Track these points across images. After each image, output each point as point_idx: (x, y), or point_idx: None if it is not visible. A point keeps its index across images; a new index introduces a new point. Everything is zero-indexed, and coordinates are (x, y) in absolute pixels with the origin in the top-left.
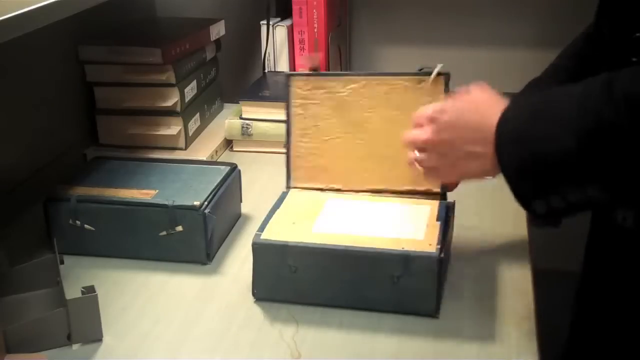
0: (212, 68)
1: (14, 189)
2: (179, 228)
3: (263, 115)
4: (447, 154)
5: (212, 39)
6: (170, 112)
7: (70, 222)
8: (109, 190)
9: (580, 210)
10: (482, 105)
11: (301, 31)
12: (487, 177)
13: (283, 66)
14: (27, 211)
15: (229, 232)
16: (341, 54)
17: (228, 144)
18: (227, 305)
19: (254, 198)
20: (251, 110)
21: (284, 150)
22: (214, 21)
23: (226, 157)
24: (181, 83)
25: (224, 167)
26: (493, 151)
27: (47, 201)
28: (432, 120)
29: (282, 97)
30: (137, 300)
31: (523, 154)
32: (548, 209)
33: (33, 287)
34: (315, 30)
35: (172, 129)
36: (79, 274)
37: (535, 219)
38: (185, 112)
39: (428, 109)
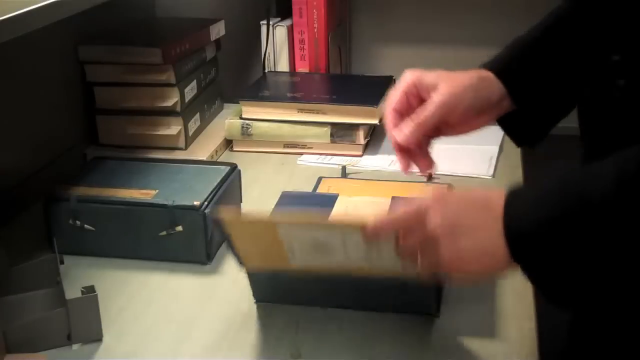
0: (212, 68)
1: (14, 189)
2: (179, 228)
3: (263, 115)
4: (459, 242)
5: (212, 39)
6: (170, 112)
7: (70, 222)
8: (109, 190)
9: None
10: (482, 194)
11: (301, 31)
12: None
13: (283, 66)
14: (27, 211)
15: None
16: (341, 54)
17: (228, 144)
18: (227, 305)
19: (254, 198)
20: (251, 110)
21: (285, 151)
22: (214, 21)
23: (226, 157)
24: (181, 83)
25: (224, 167)
26: (504, 249)
27: (47, 201)
28: (423, 211)
29: (283, 97)
30: (137, 300)
31: (544, 250)
32: (580, 296)
33: (33, 287)
34: (315, 30)
35: (172, 129)
36: (79, 274)
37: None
38: (185, 112)
39: (418, 204)
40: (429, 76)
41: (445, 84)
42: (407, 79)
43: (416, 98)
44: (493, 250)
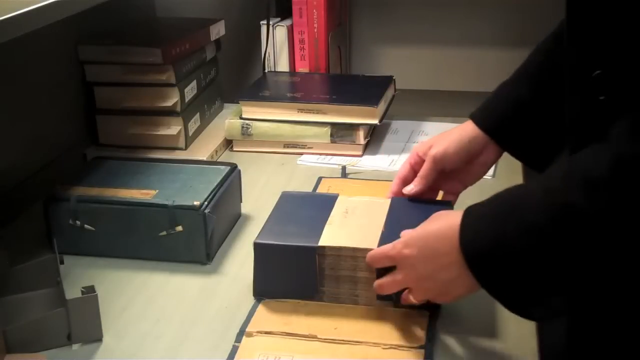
0: (212, 68)
1: (15, 189)
2: (179, 228)
3: (263, 115)
4: (430, 287)
5: (212, 39)
6: (170, 112)
7: (70, 222)
8: (109, 190)
9: (590, 302)
10: (441, 229)
11: (301, 31)
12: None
13: (283, 66)
14: (27, 211)
15: (229, 232)
16: (341, 54)
17: (228, 144)
18: (227, 305)
19: (254, 198)
20: (251, 110)
21: (285, 151)
22: (214, 21)
23: (226, 157)
24: (181, 83)
25: (224, 167)
26: (468, 271)
27: (47, 201)
28: (400, 259)
29: (283, 97)
30: (137, 300)
31: (500, 270)
32: (552, 311)
33: (33, 287)
34: (315, 30)
35: (172, 129)
36: (79, 274)
37: (540, 319)
38: (185, 112)
39: (386, 249)
40: (426, 142)
41: (437, 142)
42: (413, 150)
43: (420, 165)
44: (460, 281)
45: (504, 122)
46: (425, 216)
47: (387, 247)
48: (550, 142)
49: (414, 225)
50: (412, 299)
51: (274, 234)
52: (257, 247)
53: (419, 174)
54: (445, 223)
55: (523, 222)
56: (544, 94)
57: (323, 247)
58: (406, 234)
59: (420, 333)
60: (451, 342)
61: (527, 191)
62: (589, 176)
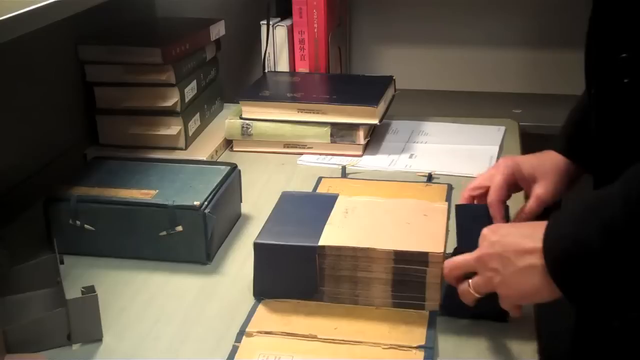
0: (212, 68)
1: (14, 189)
2: (179, 228)
3: (263, 115)
4: (500, 269)
5: (212, 39)
6: (170, 112)
7: (70, 222)
8: (109, 190)
9: None
10: (532, 229)
11: (301, 31)
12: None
13: (283, 66)
14: (27, 211)
15: (229, 232)
16: (341, 54)
17: (228, 144)
18: (227, 305)
19: (254, 198)
20: (251, 110)
21: (285, 151)
22: (214, 21)
23: (226, 157)
24: (181, 83)
25: (224, 167)
26: (546, 274)
27: (47, 201)
28: (482, 258)
29: (283, 97)
30: (137, 300)
31: (575, 265)
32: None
33: (33, 287)
34: (315, 30)
35: (172, 129)
36: (79, 274)
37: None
38: (185, 112)
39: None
40: (525, 167)
41: (543, 179)
42: (506, 168)
43: (514, 186)
44: (541, 286)
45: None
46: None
47: (471, 257)
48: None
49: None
50: (474, 293)
51: (274, 234)
52: (257, 247)
53: (523, 215)
54: (533, 225)
55: (603, 221)
56: None
57: (323, 247)
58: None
59: (420, 333)
60: (451, 342)
61: (610, 192)
62: None
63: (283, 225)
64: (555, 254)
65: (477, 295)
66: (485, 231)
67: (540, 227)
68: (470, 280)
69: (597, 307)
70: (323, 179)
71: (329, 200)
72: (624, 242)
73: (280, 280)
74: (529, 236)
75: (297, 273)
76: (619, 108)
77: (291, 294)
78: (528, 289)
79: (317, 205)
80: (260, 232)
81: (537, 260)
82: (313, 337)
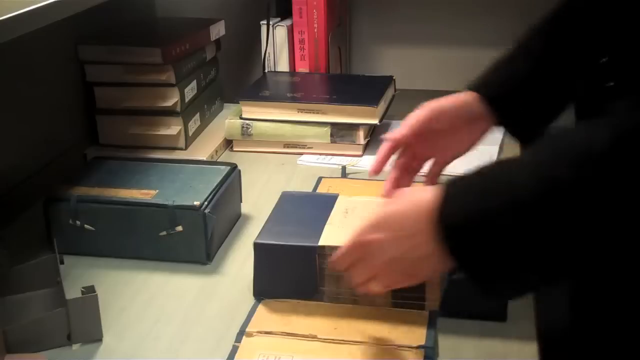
0: (212, 68)
1: (14, 189)
2: (179, 228)
3: (263, 115)
4: (398, 269)
5: (212, 39)
6: (170, 112)
7: (70, 222)
8: (109, 190)
9: (561, 281)
10: (410, 207)
11: (301, 31)
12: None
13: (283, 66)
14: (27, 211)
15: (229, 232)
16: (341, 54)
17: (228, 144)
18: (227, 305)
19: (254, 198)
20: (251, 110)
21: (285, 151)
22: (214, 21)
23: (226, 157)
24: (181, 83)
25: (224, 167)
26: (441, 247)
27: (47, 201)
28: (368, 244)
29: (283, 97)
30: (137, 300)
31: (479, 244)
32: (519, 289)
33: (33, 287)
34: (315, 30)
35: (172, 129)
36: (79, 274)
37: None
38: (185, 112)
39: (348, 242)
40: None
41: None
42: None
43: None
44: (431, 259)
45: (500, 92)
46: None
47: (349, 240)
48: (543, 118)
49: None
50: (375, 288)
51: (273, 234)
52: (257, 247)
53: (406, 123)
54: (415, 200)
55: (509, 196)
56: (541, 72)
57: (323, 247)
58: (366, 218)
59: (420, 333)
60: (451, 342)
61: (515, 165)
62: (586, 151)
63: (283, 225)
64: (455, 229)
65: (382, 291)
66: (368, 235)
67: (420, 209)
68: (372, 283)
69: (491, 277)
70: (323, 179)
71: (329, 200)
72: (533, 217)
73: (280, 280)
74: (414, 227)
75: (297, 273)
76: (603, 111)
77: (291, 294)
78: (429, 272)
79: (317, 205)
80: (260, 232)
81: (432, 246)
82: (313, 337)
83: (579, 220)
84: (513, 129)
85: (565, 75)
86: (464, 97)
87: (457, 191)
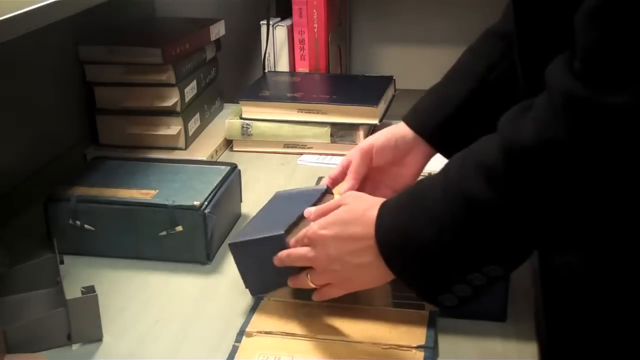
0: (212, 68)
1: (14, 189)
2: (179, 228)
3: (263, 115)
4: (337, 270)
5: (212, 39)
6: (170, 112)
7: (70, 222)
8: (109, 190)
9: (492, 286)
10: (362, 213)
11: (301, 31)
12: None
13: (283, 66)
14: (27, 211)
15: (229, 232)
16: (341, 54)
17: (228, 144)
18: (227, 305)
19: (254, 198)
20: (251, 110)
21: (285, 151)
22: (214, 21)
23: (226, 157)
24: (181, 83)
25: (224, 167)
26: (380, 259)
27: (47, 201)
28: (315, 239)
29: (283, 97)
30: (137, 300)
31: (409, 258)
32: (459, 300)
33: (33, 287)
34: (315, 30)
35: (172, 129)
36: (79, 274)
37: (447, 310)
38: (185, 112)
39: (301, 233)
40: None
41: (368, 138)
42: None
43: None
44: (371, 269)
45: (433, 120)
46: None
47: (302, 232)
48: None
49: None
50: (310, 282)
51: (246, 232)
52: (231, 247)
53: (350, 169)
54: (367, 208)
55: (428, 213)
56: (475, 94)
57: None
58: (323, 216)
59: (420, 333)
60: (451, 342)
61: (432, 182)
62: (481, 162)
63: (260, 223)
64: (390, 247)
65: (314, 286)
66: (316, 229)
67: (369, 219)
68: (308, 275)
69: (431, 291)
70: (323, 179)
71: (315, 194)
72: (451, 231)
73: (264, 274)
74: (359, 234)
75: (273, 264)
76: None
77: (279, 284)
78: (370, 280)
79: (305, 200)
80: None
81: (372, 256)
82: (313, 337)
83: (486, 225)
84: (448, 155)
85: (499, 96)
86: (395, 130)
87: (388, 209)
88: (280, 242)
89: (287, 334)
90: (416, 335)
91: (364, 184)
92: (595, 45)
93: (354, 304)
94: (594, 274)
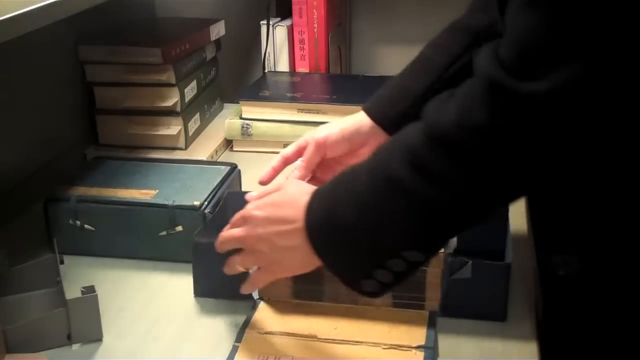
0: (212, 68)
1: (14, 189)
2: (179, 228)
3: (263, 115)
4: (265, 250)
5: (212, 39)
6: (170, 112)
7: (70, 222)
8: (109, 190)
9: (412, 273)
10: (296, 198)
11: (301, 31)
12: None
13: (283, 66)
14: (27, 211)
15: None
16: (341, 54)
17: (228, 144)
18: (227, 305)
19: None
20: (251, 110)
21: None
22: (214, 21)
23: (226, 157)
24: (181, 83)
25: (224, 167)
26: (308, 244)
27: (47, 201)
28: (247, 218)
29: (283, 97)
30: (137, 300)
31: (332, 240)
32: (381, 285)
33: (33, 287)
34: (315, 30)
35: (172, 129)
36: (79, 274)
37: (369, 295)
38: (185, 112)
39: (244, 209)
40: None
41: (324, 128)
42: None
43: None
44: (298, 253)
45: (392, 111)
46: None
47: (238, 213)
48: None
49: None
50: (238, 264)
51: (210, 234)
52: (196, 247)
53: (302, 158)
54: (301, 193)
55: (353, 193)
56: (434, 87)
57: None
58: (260, 197)
59: (420, 333)
60: (451, 342)
61: (362, 165)
62: (406, 145)
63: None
64: (315, 229)
65: (243, 270)
66: (250, 209)
67: (302, 203)
68: (238, 257)
69: (353, 276)
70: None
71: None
72: (372, 211)
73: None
74: (290, 216)
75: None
76: None
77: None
78: (297, 265)
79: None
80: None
81: (300, 239)
82: (313, 337)
83: (406, 206)
84: None
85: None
86: (353, 122)
87: (319, 193)
88: None
89: (287, 334)
90: (416, 335)
91: (318, 172)
92: (520, 33)
93: (354, 304)
94: (592, 273)
